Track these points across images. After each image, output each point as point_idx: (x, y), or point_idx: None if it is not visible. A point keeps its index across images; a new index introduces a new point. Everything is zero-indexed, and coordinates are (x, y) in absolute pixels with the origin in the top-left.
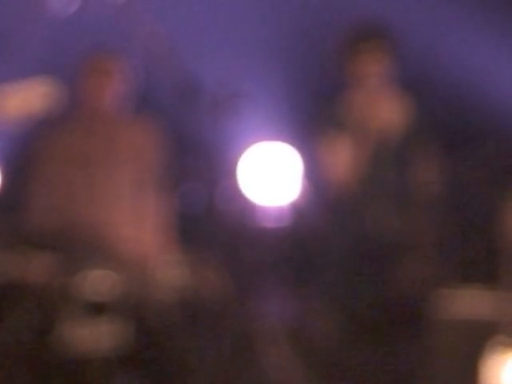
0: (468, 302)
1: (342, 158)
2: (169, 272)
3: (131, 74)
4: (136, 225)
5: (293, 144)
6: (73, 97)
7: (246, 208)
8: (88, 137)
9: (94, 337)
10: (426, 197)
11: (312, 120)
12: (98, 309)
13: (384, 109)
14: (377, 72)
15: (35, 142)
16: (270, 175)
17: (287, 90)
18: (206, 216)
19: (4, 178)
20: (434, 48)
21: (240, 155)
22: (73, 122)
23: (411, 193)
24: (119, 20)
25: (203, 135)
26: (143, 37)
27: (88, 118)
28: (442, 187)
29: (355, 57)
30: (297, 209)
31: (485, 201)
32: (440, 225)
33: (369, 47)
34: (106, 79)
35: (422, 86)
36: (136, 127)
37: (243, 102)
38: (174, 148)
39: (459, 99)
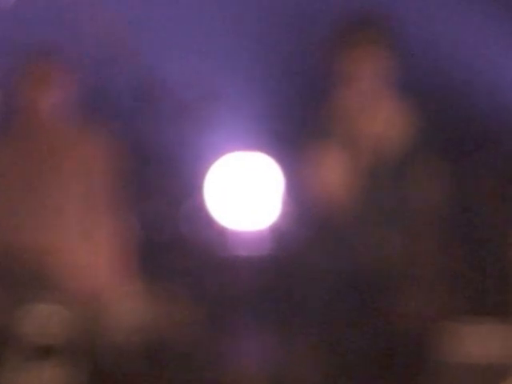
0: (476, 341)
1: (332, 173)
2: (127, 306)
3: (78, 77)
4: (87, 251)
5: (272, 155)
6: (11, 105)
7: (217, 232)
8: (28, 151)
9: None
10: (430, 219)
11: (296, 127)
12: (43, 352)
13: (381, 116)
14: (372, 71)
15: None
16: (245, 193)
17: (266, 92)
18: (170, 241)
19: None
20: (439, 46)
21: (209, 168)
22: (12, 134)
23: (413, 214)
24: (69, 12)
25: (166, 145)
26: (97, 30)
27: (27, 130)
28: (448, 208)
29: (346, 52)
30: (277, 234)
31: (496, 224)
32: (446, 251)
33: (362, 40)
34: (44, 85)
35: (425, 90)
36: (84, 137)
37: (213, 107)
38: (132, 160)
39: (466, 105)
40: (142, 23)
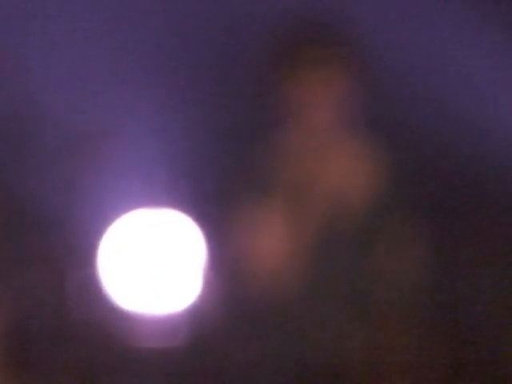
0: None
1: (270, 240)
2: None
3: None
4: None
5: (191, 214)
6: None
7: (115, 316)
8: None
9: None
10: (405, 302)
11: (223, 176)
12: None
13: (339, 161)
14: (327, 99)
15: None
16: (153, 264)
17: (180, 131)
18: (52, 327)
19: None
20: (420, 70)
21: (105, 230)
22: None
23: (382, 297)
24: None
25: (47, 198)
26: None
27: None
28: (431, 287)
29: (292, 74)
30: (196, 320)
31: (497, 309)
32: (427, 343)
33: (314, 58)
34: None
35: (400, 127)
36: None
37: (110, 148)
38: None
39: (451, 148)
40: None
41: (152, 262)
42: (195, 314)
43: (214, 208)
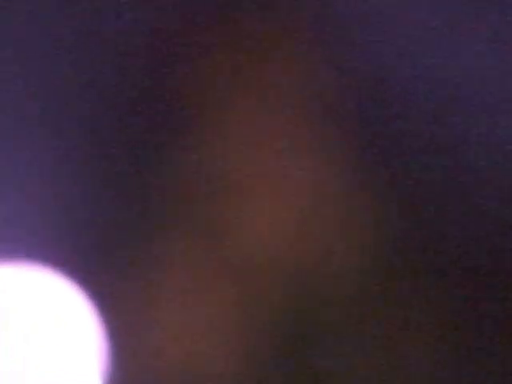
0: None
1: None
2: None
3: None
4: None
5: (73, 273)
6: None
7: None
8: None
9: None
10: None
11: (114, 223)
12: None
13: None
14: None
15: None
16: (26, 340)
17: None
18: None
19: None
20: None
21: None
22: None
23: None
24: None
25: None
26: None
27: None
28: None
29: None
30: None
31: None
32: None
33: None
34: None
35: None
36: None
37: None
38: None
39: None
40: None
41: (25, 335)
42: None
43: (107, 264)
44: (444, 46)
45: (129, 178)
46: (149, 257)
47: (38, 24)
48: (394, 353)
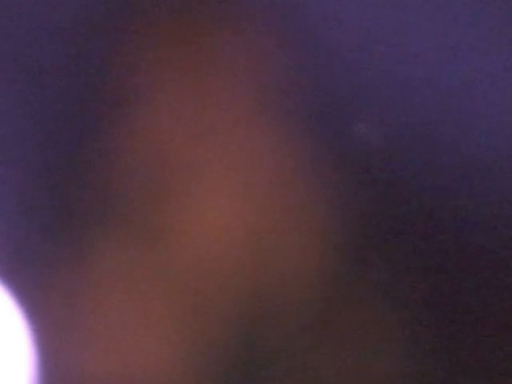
0: None
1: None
2: None
3: None
4: None
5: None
6: None
7: None
8: None
9: None
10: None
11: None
12: None
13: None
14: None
15: None
16: None
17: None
18: None
19: None
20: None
21: None
22: None
23: None
24: None
25: None
26: None
27: None
28: None
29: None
30: None
31: None
32: None
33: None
34: None
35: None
36: None
37: None
38: None
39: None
40: None
41: None
42: None
43: (41, 275)
44: (406, 47)
45: (58, 170)
46: (78, 254)
47: None
48: (348, 365)
